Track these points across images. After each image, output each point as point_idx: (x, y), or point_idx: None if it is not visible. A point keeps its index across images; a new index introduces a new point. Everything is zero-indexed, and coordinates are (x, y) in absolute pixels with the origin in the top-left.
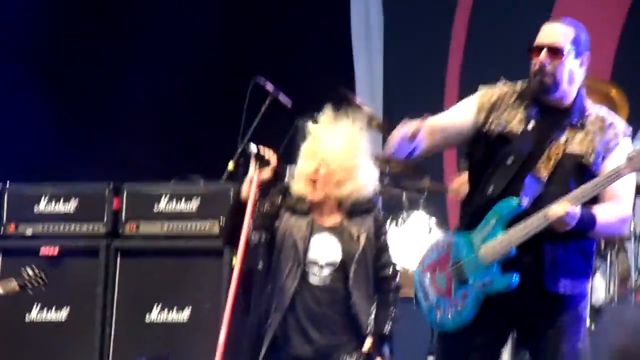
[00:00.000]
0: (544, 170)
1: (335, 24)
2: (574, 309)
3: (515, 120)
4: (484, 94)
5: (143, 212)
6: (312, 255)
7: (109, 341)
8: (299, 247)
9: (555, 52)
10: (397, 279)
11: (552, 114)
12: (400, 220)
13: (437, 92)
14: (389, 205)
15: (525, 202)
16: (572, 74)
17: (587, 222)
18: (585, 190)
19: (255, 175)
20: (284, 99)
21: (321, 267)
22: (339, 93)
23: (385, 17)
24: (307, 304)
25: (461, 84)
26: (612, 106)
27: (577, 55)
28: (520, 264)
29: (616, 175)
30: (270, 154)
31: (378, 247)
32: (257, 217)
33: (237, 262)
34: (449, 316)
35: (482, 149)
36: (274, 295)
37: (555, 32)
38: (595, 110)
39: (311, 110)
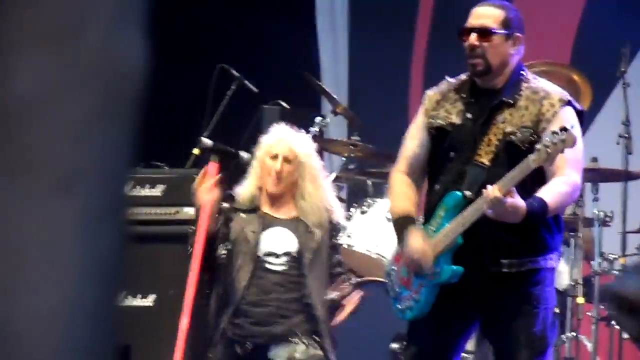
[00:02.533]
0: (485, 155)
1: (299, 9)
2: (527, 287)
3: (454, 113)
4: (428, 99)
5: None
6: (266, 247)
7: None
8: (250, 240)
9: (484, 33)
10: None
11: (486, 97)
12: (365, 206)
13: (403, 75)
14: (354, 191)
15: (469, 193)
16: (504, 54)
17: (537, 210)
18: (513, 176)
19: (213, 168)
20: (249, 85)
21: (277, 256)
22: (303, 78)
23: (350, 4)
24: (262, 291)
25: (426, 66)
26: (576, 91)
27: (508, 35)
28: (465, 251)
29: (526, 167)
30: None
31: (331, 246)
32: (218, 232)
33: (195, 255)
34: (409, 306)
35: (430, 147)
36: (226, 290)
37: (483, 14)
38: (530, 84)
39: (276, 95)
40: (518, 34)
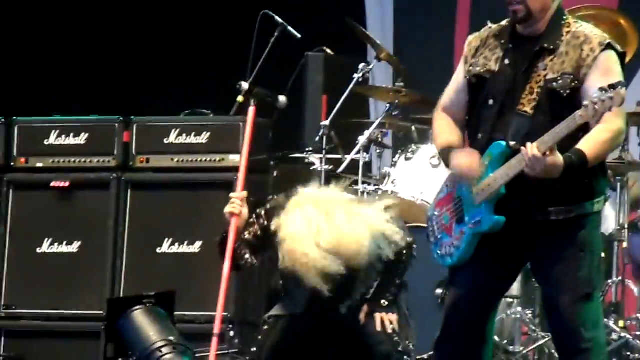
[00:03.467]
0: (527, 104)
1: None
2: (574, 232)
3: (492, 60)
4: (468, 44)
5: (153, 146)
6: None
7: (120, 273)
8: None
9: None
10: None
11: (527, 44)
12: (409, 153)
13: (449, 21)
14: (398, 137)
15: (514, 142)
16: (545, 0)
17: (576, 164)
18: (557, 132)
19: (252, 111)
20: (293, 31)
21: None
22: (347, 24)
23: None
24: None
25: (472, 16)
26: (622, 35)
27: None
28: (511, 200)
29: (573, 123)
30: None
31: None
32: (243, 245)
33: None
34: (449, 252)
35: (468, 95)
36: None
37: None
38: (572, 29)
39: (320, 43)
40: None
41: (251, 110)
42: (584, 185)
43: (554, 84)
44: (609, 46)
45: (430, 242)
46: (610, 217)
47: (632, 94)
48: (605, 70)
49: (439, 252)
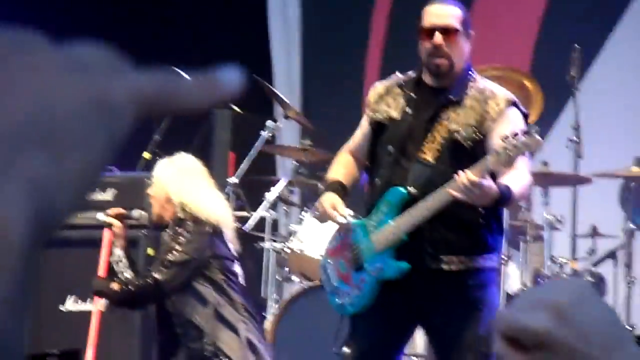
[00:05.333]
0: (429, 152)
1: (252, 12)
2: (469, 288)
3: (394, 107)
4: (373, 90)
5: None
6: None
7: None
8: None
9: (450, 33)
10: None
11: (432, 95)
12: (316, 210)
13: (357, 82)
14: (306, 195)
15: (413, 189)
16: (464, 53)
17: (506, 194)
18: (478, 169)
19: (107, 235)
20: None
21: None
22: (255, 82)
23: (303, 5)
24: None
25: (382, 68)
26: (527, 97)
27: (467, 34)
28: (406, 248)
29: (485, 167)
30: (113, 213)
31: None
32: None
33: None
34: (349, 301)
35: (370, 140)
36: None
37: (445, 13)
38: (477, 84)
39: (228, 101)
40: (472, 32)
41: (107, 233)
42: (478, 238)
43: (457, 135)
44: (514, 104)
45: (326, 291)
46: (514, 276)
47: (539, 155)
48: (510, 125)
49: (337, 300)
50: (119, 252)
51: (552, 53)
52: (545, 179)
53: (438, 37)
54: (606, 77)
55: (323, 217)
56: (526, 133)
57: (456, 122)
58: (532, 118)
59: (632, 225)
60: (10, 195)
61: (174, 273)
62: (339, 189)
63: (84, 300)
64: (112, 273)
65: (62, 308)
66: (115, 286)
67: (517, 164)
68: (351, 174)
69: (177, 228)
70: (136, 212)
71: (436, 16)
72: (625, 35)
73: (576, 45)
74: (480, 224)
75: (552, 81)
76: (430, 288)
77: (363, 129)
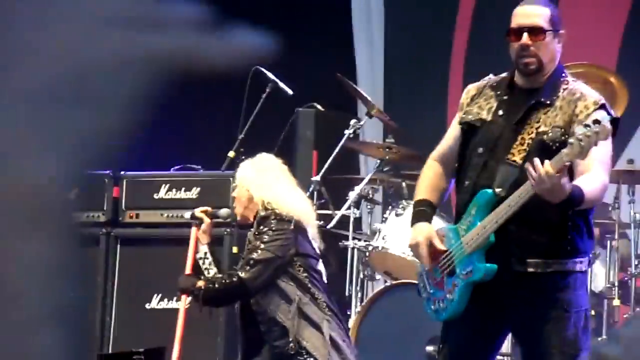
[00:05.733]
0: (517, 154)
1: (336, 12)
2: (555, 291)
3: (486, 109)
4: (466, 93)
5: (143, 201)
6: None
7: (110, 329)
8: None
9: (537, 32)
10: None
11: (524, 96)
12: (399, 208)
13: (440, 81)
14: (389, 193)
15: (500, 190)
16: (553, 52)
17: (577, 195)
18: (556, 161)
19: (193, 232)
20: (284, 87)
21: None
22: (338, 80)
23: (387, 4)
24: None
25: (466, 72)
26: (612, 93)
27: (556, 33)
28: (495, 249)
29: (560, 160)
30: (200, 211)
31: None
32: None
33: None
34: (442, 306)
35: (460, 142)
36: None
37: (532, 13)
38: (569, 86)
39: (311, 99)
40: (562, 31)
41: (193, 230)
42: (568, 242)
43: (545, 136)
44: (603, 107)
45: (422, 298)
46: (600, 275)
47: (625, 153)
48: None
49: (432, 307)
50: (205, 249)
51: (638, 51)
52: (631, 177)
53: (525, 37)
54: None
55: (416, 251)
56: (596, 122)
57: (545, 123)
58: (618, 114)
59: None
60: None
61: (258, 271)
62: (429, 212)
63: (170, 298)
64: (197, 271)
65: (148, 306)
66: (200, 284)
67: (590, 163)
68: (439, 187)
69: (260, 227)
70: (223, 211)
71: (523, 16)
72: None
73: None
74: (568, 227)
75: (638, 78)
76: (517, 290)
77: (453, 131)
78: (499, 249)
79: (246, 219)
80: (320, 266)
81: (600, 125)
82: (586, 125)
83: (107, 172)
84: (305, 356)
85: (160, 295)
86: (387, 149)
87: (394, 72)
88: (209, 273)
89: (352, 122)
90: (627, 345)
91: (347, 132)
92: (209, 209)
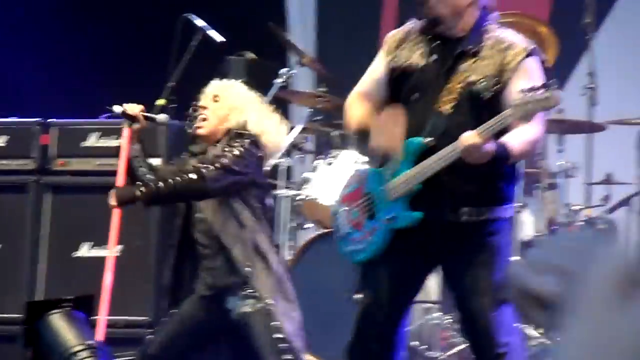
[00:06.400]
0: (447, 103)
1: None
2: (485, 236)
3: (417, 55)
4: (391, 36)
5: (73, 148)
6: None
7: (39, 277)
8: None
9: None
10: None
11: (450, 45)
12: (330, 158)
13: (372, 29)
14: (320, 142)
15: (429, 139)
16: (456, 5)
17: (502, 154)
18: (490, 126)
19: (126, 132)
20: (214, 35)
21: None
22: (269, 29)
23: None
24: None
25: (399, 14)
26: (541, 42)
27: None
28: (423, 199)
29: (503, 119)
30: (133, 108)
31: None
32: None
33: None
34: (360, 247)
35: (391, 87)
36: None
37: None
38: (495, 34)
39: (242, 46)
40: None
41: (126, 130)
42: (497, 189)
43: (475, 86)
44: (532, 53)
45: (336, 237)
46: (529, 224)
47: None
48: (529, 76)
49: (348, 247)
50: (138, 147)
51: (571, 2)
52: (559, 127)
53: None
54: (622, 24)
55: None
56: (545, 87)
57: (474, 72)
58: (547, 64)
59: None
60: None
61: (221, 174)
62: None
63: (100, 246)
64: (132, 177)
65: (78, 255)
66: (137, 192)
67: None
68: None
69: (233, 141)
70: (162, 116)
71: None
72: None
73: None
74: (498, 175)
75: (570, 30)
76: (449, 238)
77: (376, 74)
78: (431, 199)
79: (214, 135)
80: (270, 202)
81: (551, 92)
82: (533, 89)
83: (36, 119)
84: (249, 291)
85: (90, 243)
86: (318, 98)
87: (325, 20)
88: (143, 175)
89: (283, 70)
90: (570, 278)
91: (277, 80)
92: (143, 107)
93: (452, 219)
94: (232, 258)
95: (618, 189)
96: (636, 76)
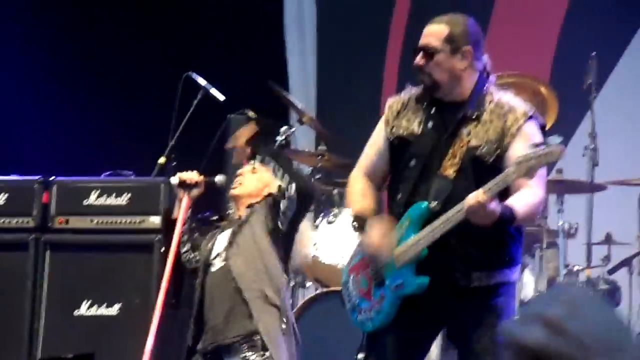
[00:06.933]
0: (450, 168)
1: (268, 19)
2: (492, 300)
3: (415, 122)
4: (389, 107)
5: (73, 206)
6: (215, 249)
7: (38, 335)
8: (207, 244)
9: (428, 52)
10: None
11: (450, 110)
12: (331, 216)
13: (373, 89)
14: (320, 201)
15: (434, 204)
16: (453, 70)
17: (507, 216)
18: (495, 184)
19: (185, 200)
20: (216, 93)
21: (219, 254)
22: (270, 88)
23: (319, 12)
24: (206, 292)
25: (399, 80)
26: (542, 103)
27: (454, 51)
28: (432, 264)
29: (506, 177)
30: (192, 176)
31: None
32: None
33: (167, 270)
34: (369, 317)
35: (390, 156)
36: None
37: (427, 33)
38: (495, 97)
39: (243, 105)
40: (466, 48)
41: (184, 201)
42: (506, 252)
43: (477, 151)
44: (532, 117)
45: (346, 308)
46: (529, 284)
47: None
48: (529, 139)
49: (357, 317)
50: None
51: (572, 63)
52: (560, 187)
53: (418, 57)
54: (624, 86)
55: (372, 245)
56: (546, 144)
57: (476, 137)
58: (548, 125)
59: None
60: None
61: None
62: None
63: (100, 305)
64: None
65: (77, 313)
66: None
67: (530, 183)
68: (374, 195)
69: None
70: (220, 177)
71: (422, 36)
72: None
73: (593, 53)
74: (506, 237)
75: (571, 90)
76: (455, 302)
77: (378, 145)
78: (440, 263)
79: (245, 197)
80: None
81: (552, 145)
82: (536, 145)
83: (37, 177)
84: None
85: (89, 301)
86: (319, 157)
87: (326, 79)
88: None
89: (283, 129)
90: (557, 329)
91: (278, 138)
92: (198, 174)
93: (464, 283)
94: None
95: (618, 249)
96: (637, 137)
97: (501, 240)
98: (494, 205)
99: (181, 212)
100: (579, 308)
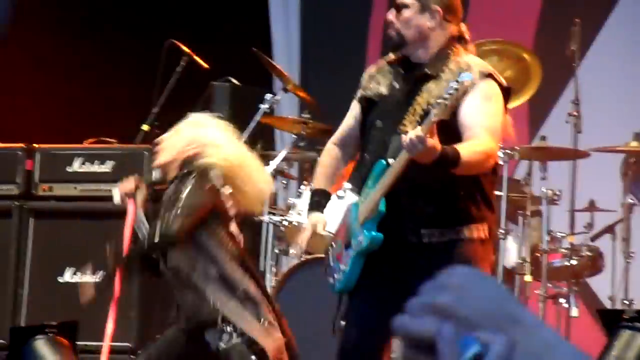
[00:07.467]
0: (409, 125)
1: None
2: (453, 258)
3: (383, 84)
4: (366, 72)
5: (57, 174)
6: None
7: (22, 302)
8: None
9: (399, 8)
10: None
11: (414, 70)
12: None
13: (358, 56)
14: (305, 169)
15: (393, 160)
16: (420, 27)
17: (450, 156)
18: (425, 122)
19: (131, 208)
20: (199, 60)
21: None
22: (254, 56)
23: None
24: None
25: (384, 47)
26: (525, 69)
27: (423, 9)
28: (387, 222)
29: (430, 120)
30: (130, 184)
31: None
32: None
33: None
34: (338, 277)
35: (360, 118)
36: None
37: None
38: (459, 59)
39: (227, 72)
40: (435, 7)
41: (130, 207)
42: (460, 210)
43: (432, 106)
44: (490, 76)
45: (325, 273)
46: (512, 250)
47: (540, 132)
48: (485, 96)
49: (330, 279)
50: (141, 215)
51: (555, 30)
52: (543, 154)
53: (391, 12)
54: (607, 52)
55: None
56: (457, 81)
57: (432, 95)
58: (531, 91)
59: (630, 200)
60: None
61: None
62: (322, 202)
63: (83, 272)
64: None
65: (61, 280)
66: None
67: (479, 130)
68: (335, 174)
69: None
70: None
71: None
72: (626, 11)
73: (577, 19)
74: (460, 196)
75: (555, 57)
76: (414, 261)
77: (353, 110)
78: (393, 221)
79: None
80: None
81: (461, 81)
82: (451, 84)
83: (20, 145)
84: (225, 327)
85: (73, 269)
86: (303, 124)
87: (310, 46)
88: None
89: (268, 96)
90: (447, 315)
91: (262, 106)
92: (137, 177)
93: (414, 240)
94: (203, 296)
95: (602, 215)
96: (620, 104)
97: (454, 198)
98: (434, 142)
99: (128, 219)
100: (468, 291)
